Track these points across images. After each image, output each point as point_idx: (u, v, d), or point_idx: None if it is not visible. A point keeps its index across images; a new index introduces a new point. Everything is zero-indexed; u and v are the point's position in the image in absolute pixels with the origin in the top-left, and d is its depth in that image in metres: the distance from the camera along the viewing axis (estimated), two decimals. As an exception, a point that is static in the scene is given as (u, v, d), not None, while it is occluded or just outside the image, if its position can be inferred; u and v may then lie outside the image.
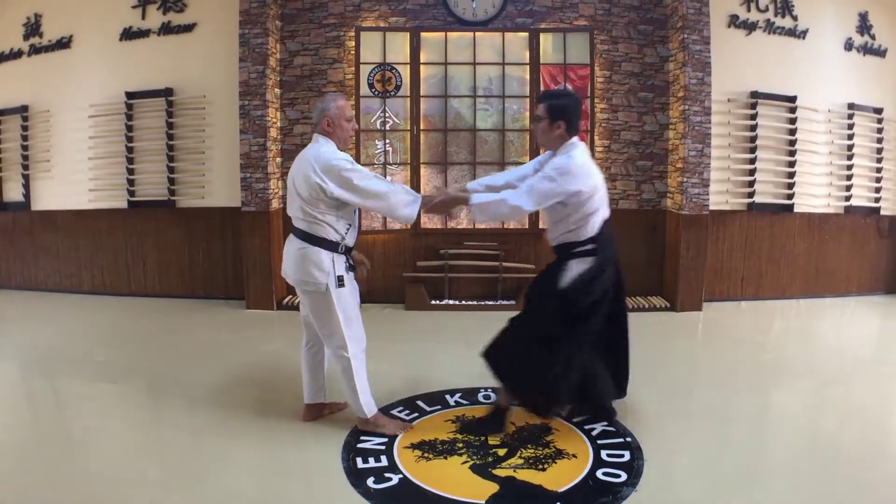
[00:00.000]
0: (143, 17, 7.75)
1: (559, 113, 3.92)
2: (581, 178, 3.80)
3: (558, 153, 3.97)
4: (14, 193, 8.31)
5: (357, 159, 7.43)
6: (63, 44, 7.98)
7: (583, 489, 3.42)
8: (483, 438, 4.01)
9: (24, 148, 8.18)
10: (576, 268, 3.95)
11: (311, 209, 3.87)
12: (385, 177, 7.48)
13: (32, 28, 8.06)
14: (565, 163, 3.83)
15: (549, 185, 3.78)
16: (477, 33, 7.56)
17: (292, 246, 3.98)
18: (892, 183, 8.31)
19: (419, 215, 4.22)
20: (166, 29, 7.71)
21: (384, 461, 3.72)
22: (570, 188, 3.77)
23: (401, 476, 3.54)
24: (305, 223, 3.92)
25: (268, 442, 4.04)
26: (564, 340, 3.96)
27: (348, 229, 3.96)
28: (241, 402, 4.63)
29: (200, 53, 7.70)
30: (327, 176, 3.77)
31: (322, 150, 3.88)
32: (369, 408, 4.11)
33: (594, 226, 3.96)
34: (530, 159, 7.50)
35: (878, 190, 8.19)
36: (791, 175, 7.76)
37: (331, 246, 3.90)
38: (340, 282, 3.91)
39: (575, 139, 3.97)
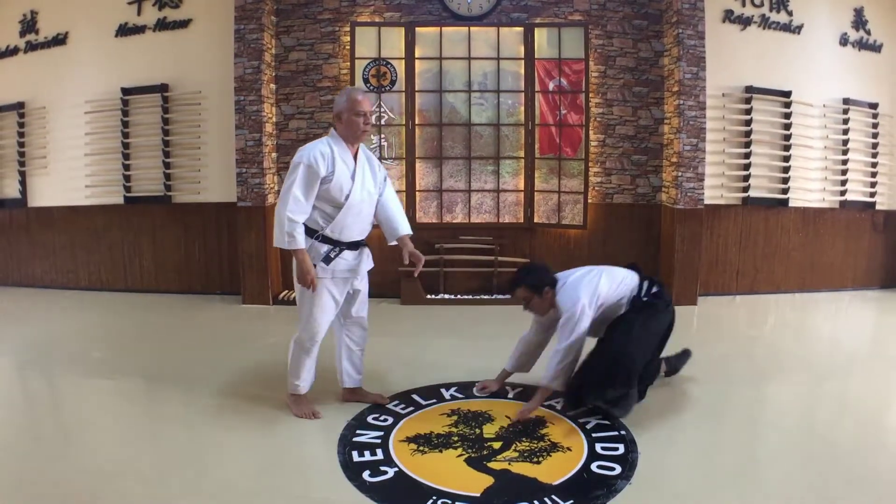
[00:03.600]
0: (139, 13, 7.75)
1: (538, 287, 4.36)
2: (586, 300, 4.21)
3: (559, 310, 4.34)
4: (10, 190, 8.31)
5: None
6: (59, 40, 7.97)
7: (577, 482, 3.43)
8: (478, 432, 4.03)
9: (21, 145, 8.17)
10: None
11: None
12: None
13: (28, 25, 8.05)
14: (570, 308, 4.22)
15: (575, 330, 4.18)
16: (472, 28, 7.56)
17: None
18: (888, 178, 8.33)
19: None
20: (162, 25, 7.71)
21: (380, 455, 3.73)
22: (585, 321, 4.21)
23: (396, 469, 3.55)
24: None
25: (264, 436, 4.06)
26: None
27: (328, 222, 4.02)
28: (238, 397, 4.64)
29: (196, 49, 7.70)
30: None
31: (310, 144, 4.00)
32: (292, 387, 4.33)
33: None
34: (525, 153, 7.59)
35: (873, 185, 8.21)
36: (786, 170, 7.78)
37: (309, 232, 4.00)
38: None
39: (560, 286, 4.37)
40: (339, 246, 4.05)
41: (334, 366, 4.51)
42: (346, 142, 4.05)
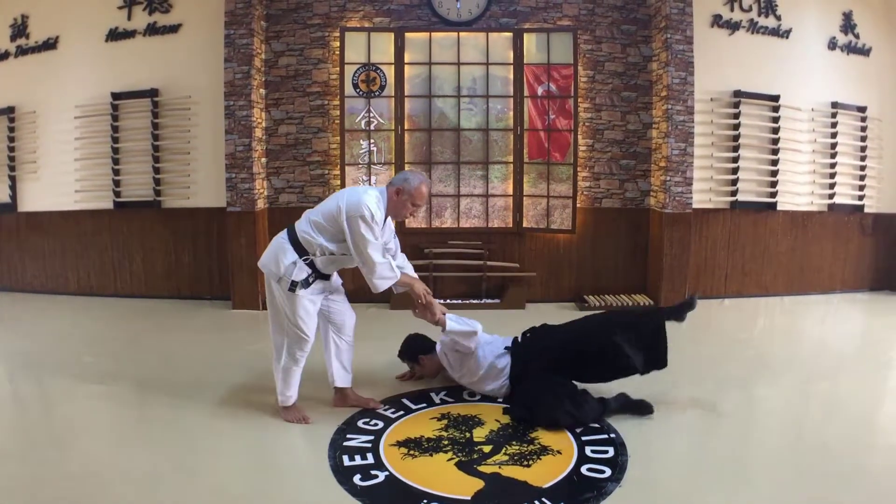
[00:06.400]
0: (129, 18, 7.73)
1: (413, 356, 5.08)
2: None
3: None
4: (1, 195, 8.28)
5: (341, 159, 7.47)
6: (49, 45, 7.94)
7: (567, 485, 3.46)
8: (468, 435, 4.05)
9: (11, 149, 8.14)
10: None
11: (316, 219, 4.13)
12: (370, 176, 7.53)
13: (19, 29, 8.02)
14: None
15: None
16: (461, 33, 7.57)
17: (277, 235, 4.25)
18: (876, 181, 8.38)
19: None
20: (152, 30, 7.69)
21: (370, 458, 3.74)
22: None
23: (387, 473, 3.57)
24: (304, 223, 4.17)
25: (255, 441, 4.07)
26: None
27: (324, 255, 4.12)
28: (228, 402, 4.65)
29: (186, 54, 7.69)
30: (348, 212, 3.99)
31: (366, 195, 4.08)
32: (283, 399, 4.34)
33: None
34: (514, 158, 7.62)
35: (861, 188, 8.27)
36: (774, 173, 7.82)
37: (300, 251, 4.10)
38: (293, 287, 4.07)
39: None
40: (315, 274, 4.16)
41: (323, 373, 4.52)
42: (388, 210, 4.22)
